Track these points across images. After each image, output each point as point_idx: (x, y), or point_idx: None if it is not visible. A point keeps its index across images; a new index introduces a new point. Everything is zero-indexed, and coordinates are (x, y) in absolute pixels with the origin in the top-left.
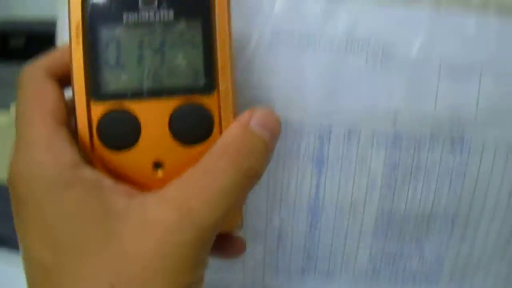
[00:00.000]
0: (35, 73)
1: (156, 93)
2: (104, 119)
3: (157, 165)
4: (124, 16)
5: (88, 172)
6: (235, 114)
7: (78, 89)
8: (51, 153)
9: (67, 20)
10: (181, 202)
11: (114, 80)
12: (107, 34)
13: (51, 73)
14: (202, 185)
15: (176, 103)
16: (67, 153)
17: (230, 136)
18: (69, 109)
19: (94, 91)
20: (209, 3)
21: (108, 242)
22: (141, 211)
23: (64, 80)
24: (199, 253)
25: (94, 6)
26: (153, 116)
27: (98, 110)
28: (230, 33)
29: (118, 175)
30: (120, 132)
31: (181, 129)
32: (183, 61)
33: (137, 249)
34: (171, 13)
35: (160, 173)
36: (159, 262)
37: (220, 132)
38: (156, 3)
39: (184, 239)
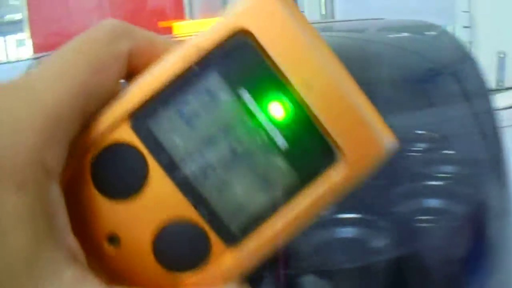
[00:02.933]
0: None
1: (182, 185)
2: (111, 150)
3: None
4: (242, 90)
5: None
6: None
7: (125, 102)
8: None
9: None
10: None
11: (164, 127)
12: (213, 85)
13: (131, 57)
14: None
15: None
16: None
17: None
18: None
19: (136, 118)
20: (316, 176)
21: None
22: None
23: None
24: None
25: (234, 50)
26: (158, 197)
27: (122, 134)
28: (308, 217)
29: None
30: (125, 171)
31: (168, 245)
32: (240, 188)
33: None
34: (284, 142)
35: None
36: None
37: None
38: (282, 115)
39: None
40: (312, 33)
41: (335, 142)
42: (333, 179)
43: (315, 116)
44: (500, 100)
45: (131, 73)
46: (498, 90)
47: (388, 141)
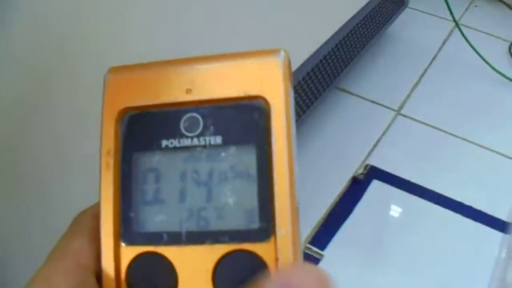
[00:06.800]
0: (82, 223)
1: (198, 238)
2: (135, 267)
3: None
4: (164, 142)
5: None
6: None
7: (106, 230)
8: None
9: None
10: None
11: (148, 220)
12: (144, 162)
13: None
14: None
15: (222, 251)
16: None
17: None
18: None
19: (125, 233)
20: (264, 127)
21: None
22: None
23: None
24: None
25: (130, 129)
26: (194, 266)
27: (128, 255)
28: (291, 163)
29: None
30: (153, 283)
31: (228, 283)
32: (232, 198)
33: None
34: (219, 139)
35: None
36: None
37: None
38: (200, 128)
39: None
40: None
41: None
42: None
43: None
44: None
45: None
46: None
47: None
